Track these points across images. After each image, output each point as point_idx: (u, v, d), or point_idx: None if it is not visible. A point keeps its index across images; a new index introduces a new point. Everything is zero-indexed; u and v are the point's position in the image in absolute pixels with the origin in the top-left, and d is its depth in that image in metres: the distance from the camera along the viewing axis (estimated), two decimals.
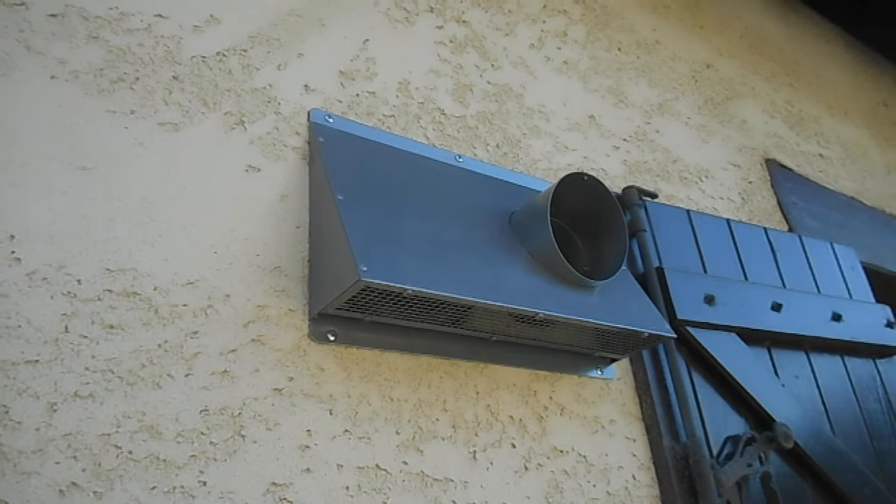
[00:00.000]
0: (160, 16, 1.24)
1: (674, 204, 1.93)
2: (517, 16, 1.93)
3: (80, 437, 0.89)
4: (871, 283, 2.19)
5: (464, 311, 1.17)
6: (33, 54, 1.08)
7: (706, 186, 2.14)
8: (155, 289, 1.03)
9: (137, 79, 1.17)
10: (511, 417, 1.30)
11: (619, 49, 2.21)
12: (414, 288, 1.06)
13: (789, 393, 1.68)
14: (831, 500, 1.64)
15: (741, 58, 2.69)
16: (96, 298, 0.98)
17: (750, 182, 2.31)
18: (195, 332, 1.04)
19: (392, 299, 1.09)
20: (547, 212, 1.28)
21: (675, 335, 1.36)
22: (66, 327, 0.94)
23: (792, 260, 1.97)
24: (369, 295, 1.07)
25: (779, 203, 2.33)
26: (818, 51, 3.17)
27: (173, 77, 1.21)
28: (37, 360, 0.90)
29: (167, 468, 0.93)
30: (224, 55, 1.29)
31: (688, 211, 1.87)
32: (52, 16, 1.13)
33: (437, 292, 1.09)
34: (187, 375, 1.00)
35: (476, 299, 1.12)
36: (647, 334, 1.32)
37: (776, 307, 1.75)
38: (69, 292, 0.96)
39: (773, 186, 2.37)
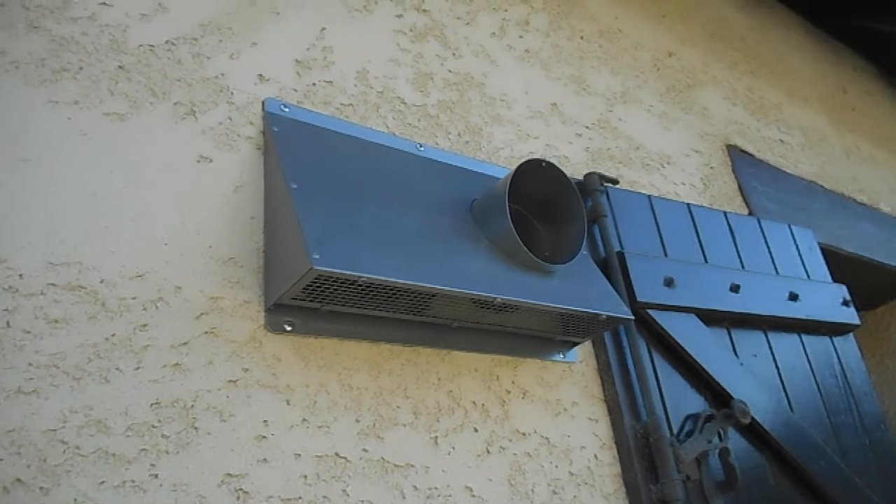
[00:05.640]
0: (105, 4, 1.21)
1: (636, 190, 1.95)
2: (478, 4, 1.92)
3: (24, 433, 0.87)
4: (828, 264, 2.23)
5: (424, 298, 1.16)
6: None
7: (668, 172, 2.16)
8: (101, 282, 1.01)
9: (81, 68, 1.14)
10: (473, 402, 1.31)
11: (582, 37, 2.21)
12: (368, 275, 1.05)
13: (747, 371, 1.71)
14: (789, 473, 1.68)
15: (703, 46, 2.72)
16: (39, 293, 0.95)
17: (711, 168, 2.33)
18: (145, 325, 1.02)
19: (348, 288, 1.08)
20: (505, 198, 1.28)
21: (633, 317, 1.38)
22: (8, 322, 0.92)
23: (751, 242, 2.00)
24: (324, 283, 1.06)
25: (740, 188, 2.37)
26: (779, 39, 3.22)
27: (119, 67, 1.19)
28: None
29: (116, 462, 0.92)
30: (173, 44, 1.27)
31: (649, 196, 1.88)
32: None
33: (393, 279, 1.08)
34: (137, 369, 0.99)
35: (432, 285, 1.12)
36: (605, 316, 1.33)
37: (734, 288, 1.77)
38: (10, 287, 0.94)
39: (734, 171, 2.41)
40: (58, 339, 0.94)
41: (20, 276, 0.95)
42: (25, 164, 1.02)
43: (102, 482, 0.90)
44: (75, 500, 0.87)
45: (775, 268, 2.01)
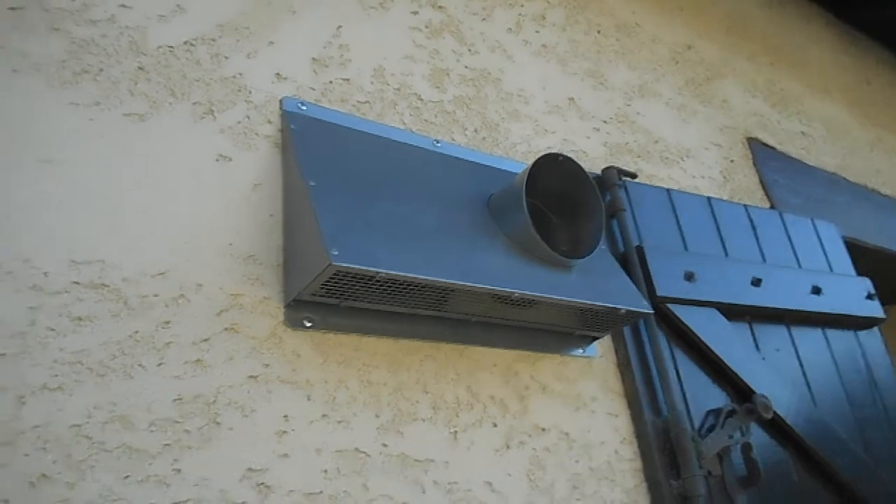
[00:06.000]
0: (124, 6, 1.22)
1: (655, 184, 1.93)
2: (494, 0, 1.92)
3: (49, 428, 0.89)
4: (852, 258, 2.19)
5: (442, 293, 1.17)
6: None
7: (687, 166, 2.14)
8: (124, 280, 1.02)
9: (101, 70, 1.16)
10: (492, 397, 1.31)
11: (599, 32, 2.20)
12: (387, 271, 1.06)
13: (770, 366, 1.69)
14: (812, 468, 1.66)
15: (722, 39, 2.69)
16: (63, 291, 0.97)
17: (732, 161, 2.31)
18: (167, 322, 1.03)
19: (366, 283, 1.09)
20: (522, 193, 1.27)
21: (652, 310, 1.37)
22: (33, 320, 0.93)
23: (772, 236, 1.98)
24: (342, 279, 1.06)
25: (761, 181, 2.34)
26: (800, 31, 3.17)
27: (139, 68, 1.20)
28: (3, 354, 0.89)
29: (140, 457, 0.93)
30: (192, 44, 1.28)
31: (668, 190, 1.87)
32: (13, 9, 1.11)
33: (411, 275, 1.08)
34: (159, 365, 1.00)
35: (450, 280, 1.12)
36: (624, 311, 1.32)
37: (756, 282, 1.75)
38: (35, 285, 0.95)
39: (755, 164, 2.38)
40: (82, 336, 0.96)
41: (45, 274, 0.97)
42: (48, 164, 1.04)
43: (127, 476, 0.91)
44: (100, 494, 0.89)
45: (798, 261, 1.99)
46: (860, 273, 2.17)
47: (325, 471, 1.06)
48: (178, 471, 0.95)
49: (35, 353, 0.92)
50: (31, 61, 1.10)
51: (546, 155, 1.33)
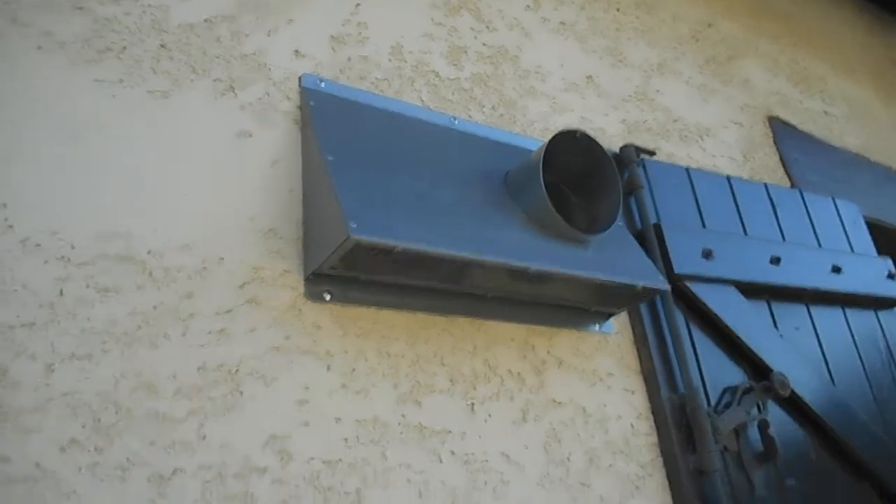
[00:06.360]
0: None
1: (674, 162, 1.92)
2: None
3: (78, 395, 0.91)
4: (874, 238, 2.17)
5: (458, 267, 1.18)
6: (19, 26, 1.09)
7: (707, 145, 2.12)
8: (148, 252, 1.05)
9: (124, 48, 1.18)
10: (509, 371, 1.32)
11: (618, 9, 2.18)
12: (404, 244, 1.07)
13: (788, 344, 1.69)
14: (830, 447, 1.66)
15: (744, 17, 2.65)
16: (90, 262, 0.99)
17: (752, 140, 2.28)
18: (190, 294, 1.06)
19: (384, 257, 1.10)
20: (539, 169, 1.28)
21: (669, 287, 1.37)
22: (61, 291, 0.96)
23: (792, 215, 1.96)
24: (361, 252, 1.07)
25: (781, 160, 2.31)
26: (824, 10, 3.11)
27: (161, 45, 1.22)
28: (33, 323, 0.92)
29: (166, 423, 0.96)
30: (212, 22, 1.30)
31: (687, 168, 1.86)
32: None
33: (428, 248, 1.09)
34: (183, 335, 1.02)
35: (467, 254, 1.13)
36: (641, 287, 1.32)
37: (775, 261, 1.74)
38: (63, 257, 0.98)
39: (775, 143, 2.35)
40: (108, 306, 0.98)
41: (71, 246, 0.99)
42: (73, 140, 1.06)
43: (153, 442, 0.94)
44: (128, 458, 0.91)
45: (818, 240, 1.97)
46: (881, 253, 2.15)
47: (345, 439, 1.09)
48: (203, 437, 0.97)
49: (63, 322, 0.94)
50: (56, 39, 1.12)
51: (563, 131, 1.33)
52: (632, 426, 1.42)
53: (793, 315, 1.79)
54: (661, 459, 1.42)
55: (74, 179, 1.03)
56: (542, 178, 1.26)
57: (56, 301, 0.95)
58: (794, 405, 1.63)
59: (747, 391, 1.53)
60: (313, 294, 1.16)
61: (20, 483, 0.84)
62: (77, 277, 0.98)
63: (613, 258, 1.36)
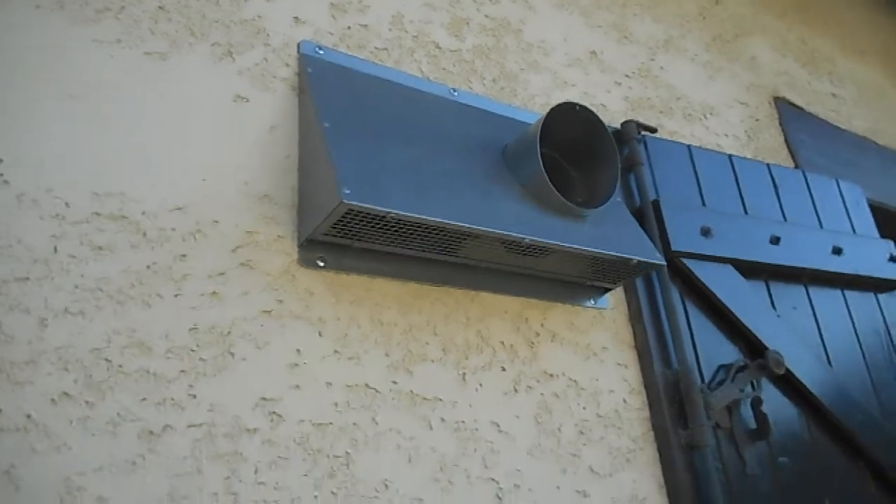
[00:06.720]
0: None
1: (676, 140, 1.91)
2: None
3: (71, 350, 0.92)
4: (878, 221, 2.15)
5: (453, 237, 1.17)
6: None
7: (710, 123, 2.10)
8: (143, 213, 1.05)
9: (123, 8, 1.17)
10: (502, 343, 1.32)
11: None
12: (398, 212, 1.07)
13: (785, 324, 1.68)
14: (826, 427, 1.66)
15: None
16: (84, 221, 1.00)
17: (757, 120, 2.26)
18: (184, 255, 1.06)
19: (377, 224, 1.10)
20: (537, 142, 1.27)
21: (664, 262, 1.36)
22: (56, 248, 0.96)
23: (794, 195, 1.95)
24: (354, 219, 1.08)
25: (786, 140, 2.29)
26: None
27: (159, 7, 1.21)
28: (27, 278, 0.93)
29: (157, 381, 0.97)
30: None
31: (689, 146, 1.84)
32: None
33: (422, 216, 1.09)
34: (176, 295, 1.03)
35: (461, 224, 1.13)
36: (636, 261, 1.32)
37: (774, 240, 1.73)
38: (58, 214, 0.98)
39: (781, 124, 2.33)
40: (102, 264, 0.99)
41: (66, 204, 0.99)
42: (71, 99, 1.06)
43: (144, 399, 0.95)
44: (118, 413, 0.93)
45: (819, 221, 1.96)
46: (885, 237, 2.13)
47: (336, 403, 1.09)
48: (193, 396, 0.98)
49: (57, 278, 0.95)
50: None
51: (563, 104, 1.32)
52: (624, 400, 1.43)
53: (791, 295, 1.79)
54: (652, 433, 1.43)
55: (71, 138, 1.04)
56: (539, 151, 1.26)
57: (50, 257, 0.96)
58: (789, 384, 1.63)
59: (741, 369, 1.53)
60: (307, 260, 1.16)
61: (12, 433, 0.85)
62: (72, 235, 0.98)
63: (609, 232, 1.35)
